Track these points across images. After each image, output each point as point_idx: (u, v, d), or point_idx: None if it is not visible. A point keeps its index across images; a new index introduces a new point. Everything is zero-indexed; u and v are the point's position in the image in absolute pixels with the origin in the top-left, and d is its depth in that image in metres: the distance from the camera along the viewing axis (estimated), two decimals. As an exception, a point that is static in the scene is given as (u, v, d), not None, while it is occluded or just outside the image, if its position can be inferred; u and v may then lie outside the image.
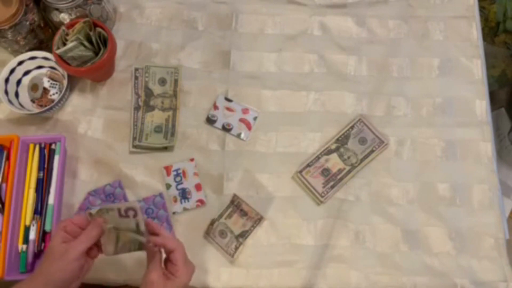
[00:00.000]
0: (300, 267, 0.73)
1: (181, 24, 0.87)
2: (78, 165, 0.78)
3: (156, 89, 0.81)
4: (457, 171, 0.79)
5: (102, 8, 0.80)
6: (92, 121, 0.80)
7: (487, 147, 0.80)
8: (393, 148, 0.80)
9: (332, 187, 0.76)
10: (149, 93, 0.81)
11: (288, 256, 0.74)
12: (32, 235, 0.72)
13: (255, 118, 0.81)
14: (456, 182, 0.78)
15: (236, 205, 0.75)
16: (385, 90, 0.83)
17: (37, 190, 0.74)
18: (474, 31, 0.88)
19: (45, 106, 0.78)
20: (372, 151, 0.79)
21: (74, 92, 0.82)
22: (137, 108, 0.80)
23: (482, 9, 1.43)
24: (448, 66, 0.85)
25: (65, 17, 0.76)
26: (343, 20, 0.88)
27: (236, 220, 0.75)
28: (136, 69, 0.82)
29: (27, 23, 0.75)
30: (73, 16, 0.76)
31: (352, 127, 0.80)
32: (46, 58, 0.80)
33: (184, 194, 0.76)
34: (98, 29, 0.75)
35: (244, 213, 0.75)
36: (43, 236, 0.72)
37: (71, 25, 0.74)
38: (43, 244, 0.72)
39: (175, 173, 0.77)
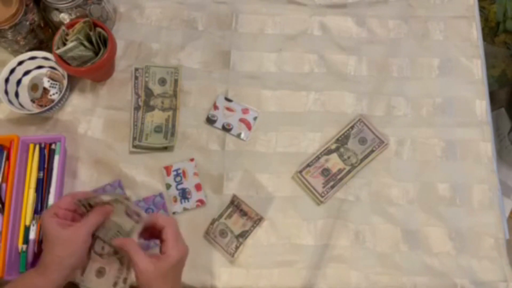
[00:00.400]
0: (300, 267, 0.73)
1: (181, 24, 0.87)
2: (78, 165, 0.78)
3: (156, 89, 0.81)
4: (457, 171, 0.79)
5: (102, 8, 0.80)
6: (92, 121, 0.80)
7: (487, 147, 0.80)
8: (393, 148, 0.80)
9: (332, 187, 0.76)
10: (149, 93, 0.81)
11: (288, 256, 0.74)
12: (32, 235, 0.72)
13: (255, 118, 0.81)
14: (456, 182, 0.78)
15: (236, 205, 0.75)
16: (385, 90, 0.83)
17: (37, 190, 0.74)
18: (474, 31, 0.88)
19: (45, 106, 0.78)
20: (372, 151, 0.79)
21: (74, 92, 0.82)
22: (137, 108, 0.80)
23: (482, 9, 1.43)
24: (448, 66, 0.85)
25: (65, 17, 0.76)
26: (343, 20, 0.88)
27: (236, 220, 0.75)
28: (136, 69, 0.82)
29: (27, 23, 0.75)
30: (73, 16, 0.76)
31: (352, 127, 0.80)
32: (46, 58, 0.80)
33: (184, 194, 0.76)
34: (98, 29, 0.75)
35: (244, 213, 0.75)
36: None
37: (71, 25, 0.74)
38: (43, 244, 0.72)
39: (175, 173, 0.77)
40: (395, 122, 0.81)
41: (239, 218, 0.75)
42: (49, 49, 0.79)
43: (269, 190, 0.77)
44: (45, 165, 0.75)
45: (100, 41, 0.76)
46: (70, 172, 0.77)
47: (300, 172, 0.77)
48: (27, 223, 0.72)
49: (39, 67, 0.81)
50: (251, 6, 0.88)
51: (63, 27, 0.74)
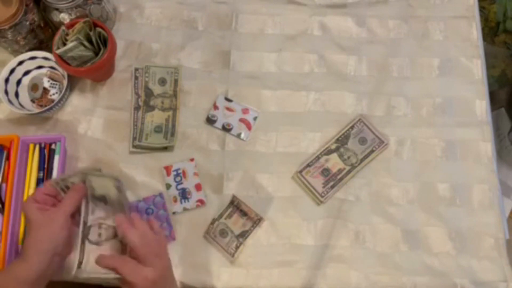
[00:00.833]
0: (300, 267, 0.73)
1: (181, 24, 0.87)
2: (78, 165, 0.78)
3: (156, 89, 0.81)
4: (457, 171, 0.79)
5: (102, 8, 0.80)
6: (92, 121, 0.80)
7: (487, 147, 0.80)
8: (393, 148, 0.80)
9: (332, 187, 0.76)
10: (149, 93, 0.81)
11: (288, 256, 0.74)
12: (32, 235, 0.72)
13: (255, 118, 0.81)
14: (456, 182, 0.78)
15: (235, 205, 0.75)
16: (385, 90, 0.83)
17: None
18: (474, 31, 0.88)
19: (45, 106, 0.78)
20: (372, 151, 0.79)
21: (74, 92, 0.82)
22: (137, 108, 0.80)
23: (482, 9, 1.43)
24: (448, 66, 0.85)
25: (65, 17, 0.76)
26: (343, 20, 0.88)
27: (236, 220, 0.75)
28: (136, 69, 0.82)
29: (27, 23, 0.75)
30: (73, 16, 0.76)
31: (352, 127, 0.80)
32: (46, 58, 0.80)
33: (184, 194, 0.76)
34: (98, 29, 0.75)
35: (244, 214, 0.75)
36: (43, 236, 0.72)
37: (71, 25, 0.74)
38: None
39: (175, 173, 0.77)
40: (395, 122, 0.81)
41: (239, 218, 0.75)
42: (49, 49, 0.79)
43: (269, 190, 0.77)
44: (45, 165, 0.75)
45: (100, 41, 0.76)
46: (70, 172, 0.77)
47: (300, 172, 0.77)
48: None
49: (39, 67, 0.81)
50: (251, 6, 0.88)
51: (63, 27, 0.74)
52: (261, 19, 0.88)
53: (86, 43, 0.74)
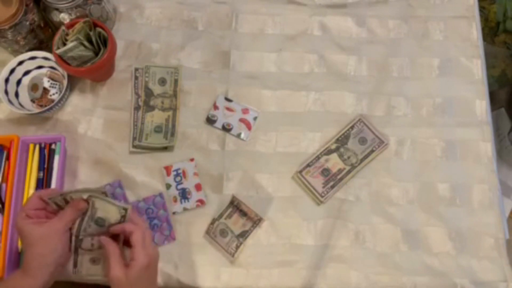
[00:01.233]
0: (300, 267, 0.73)
1: (181, 24, 0.87)
2: (78, 165, 0.78)
3: (156, 89, 0.81)
4: (457, 171, 0.79)
5: (102, 8, 0.80)
6: (92, 121, 0.80)
7: (487, 147, 0.80)
8: (393, 148, 0.80)
9: (332, 187, 0.76)
10: (149, 93, 0.81)
11: (288, 256, 0.74)
12: (32, 235, 0.71)
13: (255, 118, 0.81)
14: (456, 182, 0.78)
15: (235, 205, 0.75)
16: (385, 90, 0.83)
17: (37, 190, 0.74)
18: (474, 31, 0.88)
19: (45, 106, 0.78)
20: (372, 151, 0.79)
21: (74, 92, 0.82)
22: (137, 108, 0.80)
23: (482, 9, 1.43)
24: (448, 66, 0.85)
25: (65, 17, 0.76)
26: (343, 20, 0.88)
27: (236, 220, 0.75)
28: (136, 69, 0.82)
29: (27, 23, 0.75)
30: (73, 16, 0.76)
31: (352, 127, 0.80)
32: (46, 58, 0.80)
33: (184, 194, 0.76)
34: (98, 29, 0.75)
35: (243, 214, 0.75)
36: (43, 236, 0.72)
37: (71, 25, 0.74)
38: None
39: (175, 173, 0.77)
40: (395, 122, 0.81)
41: (239, 218, 0.75)
42: (49, 49, 0.79)
43: (269, 190, 0.77)
44: (45, 165, 0.75)
45: (100, 41, 0.76)
46: (70, 172, 0.77)
47: (300, 172, 0.77)
48: (27, 223, 0.72)
49: (39, 67, 0.81)
50: (251, 6, 0.88)
51: (63, 27, 0.74)
52: (261, 19, 0.88)
53: (86, 43, 0.74)
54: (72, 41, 0.73)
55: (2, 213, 0.72)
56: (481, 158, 0.80)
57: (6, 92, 0.77)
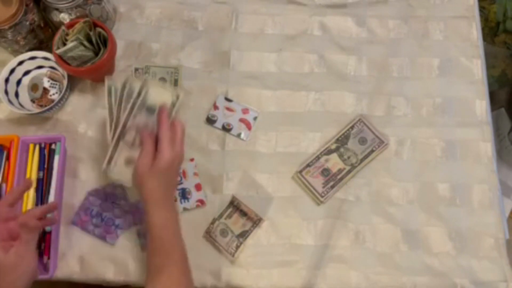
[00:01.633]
0: (300, 267, 0.73)
1: (181, 24, 0.87)
2: (78, 165, 0.78)
3: (156, 89, 0.81)
4: (457, 171, 0.79)
5: (102, 8, 0.80)
6: (92, 121, 0.80)
7: (487, 147, 0.80)
8: (393, 148, 0.80)
9: (332, 187, 0.76)
10: (149, 93, 0.80)
11: (288, 256, 0.74)
12: (32, 235, 0.71)
13: (255, 118, 0.81)
14: (456, 182, 0.78)
15: (235, 205, 0.75)
16: (385, 90, 0.83)
17: (37, 190, 0.74)
18: (474, 31, 0.88)
19: (45, 106, 0.78)
20: (372, 151, 0.79)
21: (74, 92, 0.82)
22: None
23: (482, 9, 1.43)
24: (448, 66, 0.85)
25: (65, 17, 0.76)
26: (343, 20, 0.88)
27: (236, 220, 0.75)
28: (136, 69, 0.82)
29: (27, 23, 0.75)
30: (73, 16, 0.76)
31: (352, 127, 0.80)
32: (46, 58, 0.80)
33: (184, 194, 0.76)
34: (98, 29, 0.75)
35: (243, 214, 0.75)
36: (43, 236, 0.72)
37: (71, 25, 0.74)
38: (43, 244, 0.72)
39: (175, 173, 0.77)
40: (395, 122, 0.81)
41: (239, 218, 0.75)
42: (49, 49, 0.79)
43: (269, 190, 0.77)
44: (45, 165, 0.75)
45: (100, 41, 0.76)
46: (70, 172, 0.77)
47: (300, 172, 0.77)
48: (27, 223, 0.72)
49: (39, 67, 0.81)
50: (251, 6, 0.88)
51: (63, 27, 0.74)
52: (261, 19, 0.88)
53: (86, 43, 0.74)
54: (72, 41, 0.73)
55: (2, 213, 0.72)
56: (481, 158, 0.80)
57: (6, 92, 0.77)
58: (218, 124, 0.80)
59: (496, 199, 0.77)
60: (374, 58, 0.85)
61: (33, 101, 0.81)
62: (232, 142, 0.80)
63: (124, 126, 0.62)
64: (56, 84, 0.81)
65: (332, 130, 0.81)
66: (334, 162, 0.78)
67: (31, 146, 0.76)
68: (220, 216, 0.75)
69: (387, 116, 0.82)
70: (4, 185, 0.74)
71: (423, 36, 0.87)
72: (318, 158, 0.78)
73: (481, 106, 0.83)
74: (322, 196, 0.76)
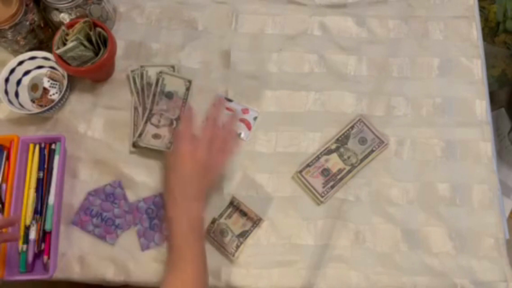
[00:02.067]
0: (300, 267, 0.73)
1: (181, 24, 0.87)
2: (78, 165, 0.78)
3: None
4: (457, 171, 0.79)
5: (102, 8, 0.80)
6: (92, 121, 0.80)
7: (487, 147, 0.80)
8: (393, 148, 0.80)
9: (332, 187, 0.76)
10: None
11: (288, 256, 0.74)
12: (32, 235, 0.72)
13: (255, 118, 0.81)
14: (456, 182, 0.78)
15: (235, 205, 0.75)
16: (385, 90, 0.83)
17: (37, 190, 0.74)
18: (474, 31, 0.88)
19: (45, 106, 0.77)
20: (372, 151, 0.79)
21: (74, 92, 0.82)
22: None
23: (482, 9, 1.43)
24: (448, 66, 0.85)
25: (65, 17, 0.76)
26: (343, 20, 0.88)
27: (236, 220, 0.75)
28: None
29: (27, 23, 0.75)
30: (73, 16, 0.76)
31: (352, 127, 0.80)
32: (46, 58, 0.80)
33: (184, 194, 0.76)
34: (98, 29, 0.75)
35: (243, 214, 0.75)
36: (43, 236, 0.72)
37: (71, 25, 0.74)
38: (43, 244, 0.72)
39: (175, 173, 0.77)
40: (395, 122, 0.81)
41: (239, 218, 0.75)
42: (49, 49, 0.79)
43: (269, 190, 0.77)
44: (45, 165, 0.75)
45: (100, 41, 0.76)
46: (70, 172, 0.77)
47: (300, 172, 0.77)
48: (27, 223, 0.72)
49: (39, 67, 0.81)
50: (251, 6, 0.88)
51: (63, 27, 0.74)
52: (261, 19, 0.88)
53: (86, 43, 0.74)
54: (72, 41, 0.73)
55: (2, 213, 0.72)
56: (481, 158, 0.80)
57: (6, 92, 0.77)
58: (218, 124, 0.80)
59: (496, 199, 0.77)
60: (374, 58, 0.86)
61: (33, 101, 0.81)
62: (232, 142, 0.80)
63: (150, 111, 0.76)
64: (56, 84, 0.81)
65: (332, 130, 0.81)
66: (334, 162, 0.78)
67: (31, 146, 0.76)
68: (220, 216, 0.75)
69: (387, 116, 0.82)
70: (4, 185, 0.74)
71: (423, 36, 0.87)
72: (318, 158, 0.78)
73: (481, 106, 0.83)
74: (322, 196, 0.76)
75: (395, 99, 0.83)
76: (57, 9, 0.75)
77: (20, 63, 0.79)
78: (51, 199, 0.73)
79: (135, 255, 0.73)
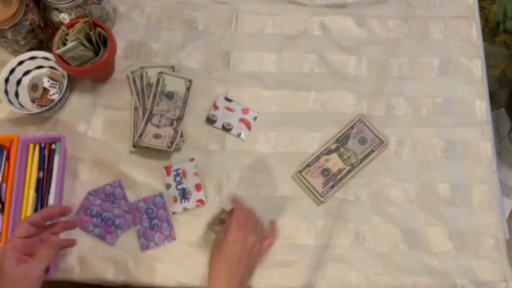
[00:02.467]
0: (300, 267, 0.73)
1: (181, 24, 0.87)
2: (78, 165, 0.78)
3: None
4: (457, 171, 0.79)
5: (102, 8, 0.80)
6: (92, 121, 0.80)
7: (487, 147, 0.80)
8: (393, 148, 0.80)
9: (332, 187, 0.76)
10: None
11: (288, 256, 0.74)
12: (32, 235, 0.71)
13: (255, 118, 0.81)
14: (456, 182, 0.78)
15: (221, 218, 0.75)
16: (385, 90, 0.83)
17: (37, 190, 0.74)
18: (474, 31, 0.88)
19: (45, 106, 0.77)
20: (372, 151, 0.79)
21: (74, 92, 0.82)
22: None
23: (482, 9, 1.43)
24: (448, 66, 0.85)
25: (65, 17, 0.76)
26: (343, 20, 0.88)
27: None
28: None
29: (27, 23, 0.75)
30: (73, 16, 0.76)
31: (352, 127, 0.80)
32: (46, 58, 0.80)
33: (184, 194, 0.76)
34: (98, 29, 0.75)
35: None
36: (43, 236, 0.72)
37: (71, 25, 0.74)
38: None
39: (175, 173, 0.77)
40: (395, 122, 0.81)
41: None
42: (49, 49, 0.79)
43: (269, 190, 0.77)
44: (45, 165, 0.75)
45: (100, 41, 0.76)
46: (70, 172, 0.77)
47: (300, 172, 0.77)
48: (27, 223, 0.72)
49: (39, 67, 0.81)
50: (251, 6, 0.88)
51: (63, 27, 0.74)
52: (261, 19, 0.88)
53: (86, 43, 0.74)
54: (72, 41, 0.73)
55: (2, 213, 0.72)
56: (481, 158, 0.80)
57: (6, 92, 0.77)
58: (218, 124, 0.80)
59: (496, 199, 0.77)
60: (374, 58, 0.86)
61: (33, 101, 0.81)
62: (232, 142, 0.80)
63: (151, 111, 0.75)
64: (56, 84, 0.81)
65: (332, 130, 0.81)
66: (334, 162, 0.78)
67: (31, 146, 0.76)
68: (213, 224, 0.75)
69: (387, 116, 0.82)
70: (4, 185, 0.74)
71: (423, 36, 0.87)
72: (318, 158, 0.78)
73: (481, 106, 0.83)
74: (322, 196, 0.76)
75: (395, 99, 0.83)
76: (57, 9, 0.75)
77: (20, 63, 0.79)
78: (51, 199, 0.73)
79: (135, 255, 0.73)
